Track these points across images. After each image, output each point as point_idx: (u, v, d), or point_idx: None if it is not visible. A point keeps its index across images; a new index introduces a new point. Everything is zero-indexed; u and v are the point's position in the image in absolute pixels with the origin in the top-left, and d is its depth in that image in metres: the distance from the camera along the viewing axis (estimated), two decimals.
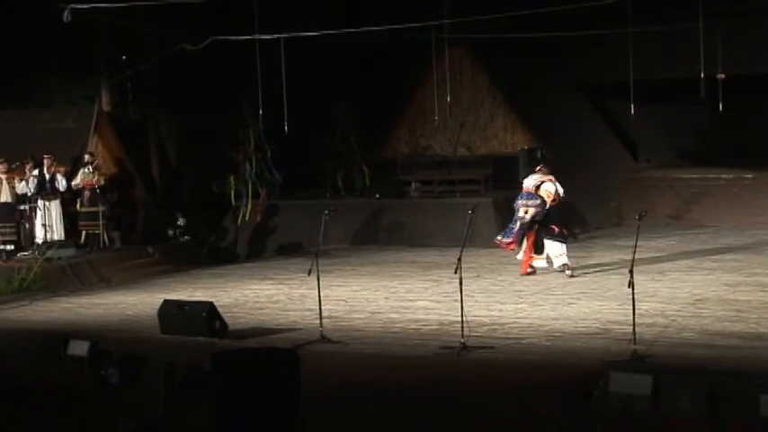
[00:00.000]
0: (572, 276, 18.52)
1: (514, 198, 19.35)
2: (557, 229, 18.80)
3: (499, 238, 19.26)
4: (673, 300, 16.02)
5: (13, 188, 21.85)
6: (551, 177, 19.05)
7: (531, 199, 18.87)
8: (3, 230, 21.80)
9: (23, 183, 21.88)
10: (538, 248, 19.04)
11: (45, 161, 22.01)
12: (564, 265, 18.78)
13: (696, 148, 27.29)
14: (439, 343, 13.75)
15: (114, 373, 11.98)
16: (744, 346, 12.90)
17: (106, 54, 26.45)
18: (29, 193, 21.94)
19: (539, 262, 19.12)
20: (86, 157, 22.99)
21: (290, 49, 22.77)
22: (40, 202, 21.92)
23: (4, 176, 21.85)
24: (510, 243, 18.99)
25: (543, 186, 18.89)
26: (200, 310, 14.98)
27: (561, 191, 19.00)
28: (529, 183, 19.10)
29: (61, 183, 22.12)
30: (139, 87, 27.82)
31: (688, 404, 10.09)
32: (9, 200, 21.91)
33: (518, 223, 18.84)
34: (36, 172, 21.94)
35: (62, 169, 22.33)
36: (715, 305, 15.53)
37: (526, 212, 18.79)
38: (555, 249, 18.84)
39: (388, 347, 13.83)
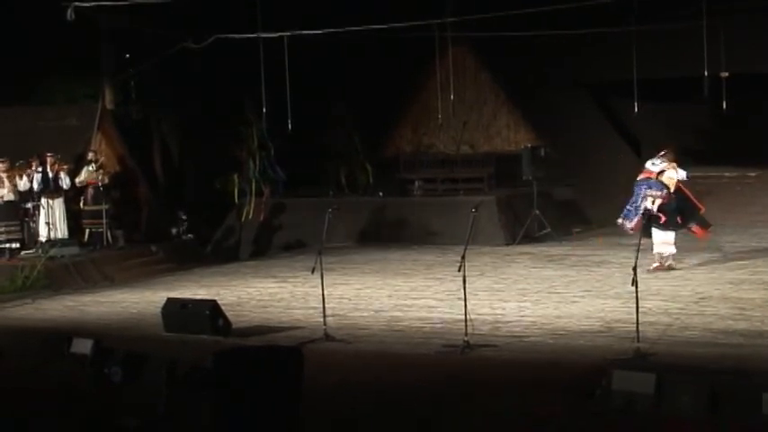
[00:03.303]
0: (656, 269, 18.35)
1: (638, 181, 18.80)
2: (663, 218, 18.43)
3: (620, 220, 18.75)
4: (676, 298, 16.01)
5: (14, 186, 21.83)
6: (674, 164, 18.62)
7: (659, 189, 18.50)
8: (7, 229, 21.80)
9: (24, 179, 21.87)
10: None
11: (48, 160, 22.02)
12: (659, 254, 18.55)
13: (699, 146, 27.27)
14: (442, 341, 13.75)
15: (117, 372, 11.98)
16: (747, 344, 12.89)
17: (108, 52, 26.46)
18: (34, 189, 21.94)
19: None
20: (90, 154, 23.00)
21: (293, 48, 22.77)
22: (43, 201, 21.93)
23: (5, 175, 21.83)
24: (633, 227, 18.46)
25: (666, 174, 18.55)
26: (204, 308, 14.98)
27: (684, 174, 18.61)
28: (653, 168, 18.70)
29: (65, 181, 22.13)
30: (142, 86, 27.84)
31: (690, 402, 10.08)
32: (12, 198, 21.90)
33: (641, 211, 18.37)
34: (40, 170, 21.95)
35: (66, 167, 22.33)
36: (718, 303, 15.52)
37: (653, 203, 18.44)
38: (658, 236, 18.55)
39: (392, 345, 13.83)
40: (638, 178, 18.85)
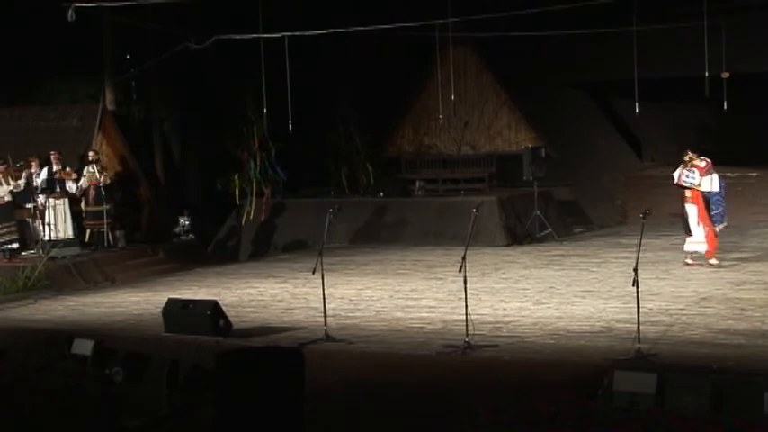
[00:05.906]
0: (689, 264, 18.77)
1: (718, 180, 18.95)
2: None
3: (721, 226, 18.94)
4: (677, 298, 16.00)
5: (9, 186, 21.81)
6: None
7: None
8: (8, 230, 21.78)
9: (20, 180, 21.85)
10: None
11: (52, 158, 22.00)
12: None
13: (700, 146, 27.22)
14: (443, 341, 13.73)
15: (118, 372, 12.01)
16: (748, 345, 12.88)
17: (110, 52, 26.47)
18: (35, 189, 21.92)
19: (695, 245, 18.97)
20: (90, 155, 22.97)
21: (294, 48, 22.79)
22: (45, 200, 21.91)
23: (1, 176, 21.77)
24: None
25: None
26: (205, 308, 14.97)
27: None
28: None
29: (69, 185, 22.10)
30: (143, 86, 27.84)
31: (692, 402, 10.09)
32: (9, 199, 21.87)
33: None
34: (45, 170, 21.94)
35: (71, 174, 22.30)
36: (719, 304, 15.51)
37: None
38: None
39: (392, 346, 13.82)
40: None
